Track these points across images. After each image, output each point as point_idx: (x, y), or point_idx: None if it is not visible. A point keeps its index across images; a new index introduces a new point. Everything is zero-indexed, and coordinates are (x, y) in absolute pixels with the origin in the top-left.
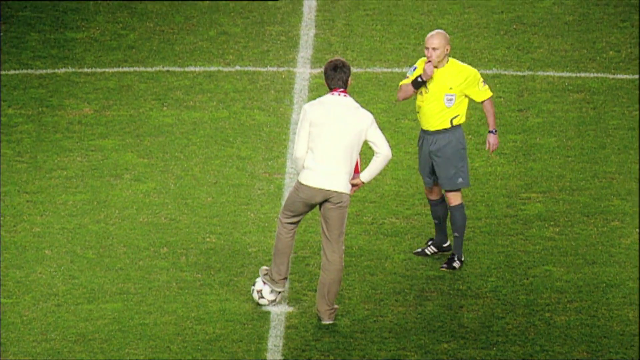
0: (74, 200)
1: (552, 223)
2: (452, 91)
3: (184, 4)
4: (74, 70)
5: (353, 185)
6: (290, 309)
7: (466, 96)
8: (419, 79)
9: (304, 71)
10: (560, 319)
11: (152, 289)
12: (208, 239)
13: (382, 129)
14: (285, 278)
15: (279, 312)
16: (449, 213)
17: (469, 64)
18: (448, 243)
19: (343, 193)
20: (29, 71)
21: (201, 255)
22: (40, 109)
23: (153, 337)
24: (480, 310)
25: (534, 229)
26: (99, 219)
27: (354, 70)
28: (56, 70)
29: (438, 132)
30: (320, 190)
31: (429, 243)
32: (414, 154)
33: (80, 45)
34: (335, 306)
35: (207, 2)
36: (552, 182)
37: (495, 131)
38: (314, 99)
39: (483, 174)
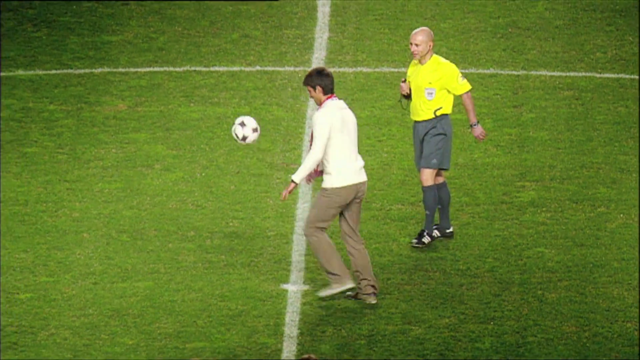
0: (110, 188)
1: (544, 209)
2: (431, 85)
3: (209, 9)
4: (109, 70)
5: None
6: (306, 288)
7: (447, 90)
8: (402, 94)
9: None
10: (552, 296)
11: (180, 269)
12: (231, 224)
13: (389, 123)
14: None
15: (296, 290)
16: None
17: (469, 64)
18: (451, 229)
19: (366, 182)
20: (69, 71)
21: (225, 238)
22: (79, 105)
23: (181, 312)
24: (479, 289)
25: (528, 215)
26: (132, 205)
27: (363, 70)
28: (93, 70)
29: (424, 121)
30: (356, 185)
31: (434, 227)
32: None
33: (115, 48)
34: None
35: (230, 7)
36: (544, 171)
37: (477, 122)
38: None
39: (481, 165)
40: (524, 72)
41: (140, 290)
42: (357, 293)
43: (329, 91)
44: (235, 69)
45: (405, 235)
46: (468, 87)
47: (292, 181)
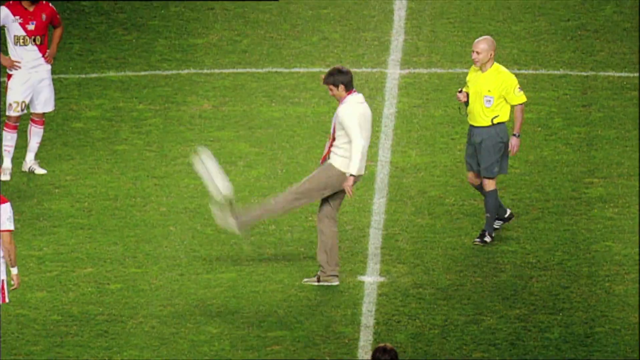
0: (195, 184)
1: (611, 204)
2: (490, 93)
3: (290, 13)
4: (195, 71)
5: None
6: (382, 279)
7: (505, 99)
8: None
9: (394, 72)
10: (619, 288)
11: (262, 261)
12: (310, 218)
13: (462, 121)
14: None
15: (372, 281)
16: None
17: (540, 65)
18: (509, 213)
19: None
20: (157, 72)
21: (304, 232)
22: (166, 104)
23: (263, 302)
24: (548, 281)
25: (596, 210)
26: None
27: (437, 70)
28: (180, 72)
29: (481, 127)
30: (359, 176)
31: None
32: None
33: (200, 50)
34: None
35: (311, 11)
36: (612, 168)
37: (518, 135)
38: (403, 96)
39: (551, 161)
40: (593, 72)
41: (224, 281)
42: (318, 277)
43: (350, 87)
44: (315, 70)
45: (478, 230)
46: (523, 99)
47: (351, 175)
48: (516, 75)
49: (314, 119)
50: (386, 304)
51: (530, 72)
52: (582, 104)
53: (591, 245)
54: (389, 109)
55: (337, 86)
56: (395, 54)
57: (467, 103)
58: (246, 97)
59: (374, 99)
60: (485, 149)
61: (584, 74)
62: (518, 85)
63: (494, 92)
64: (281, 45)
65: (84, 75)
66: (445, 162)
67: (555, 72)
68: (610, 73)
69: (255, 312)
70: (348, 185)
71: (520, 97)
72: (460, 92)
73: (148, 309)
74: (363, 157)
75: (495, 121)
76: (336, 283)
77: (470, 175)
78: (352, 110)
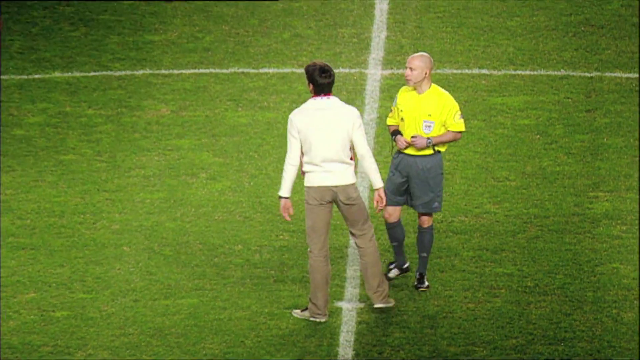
0: (152, 198)
1: (619, 221)
2: (430, 118)
3: (258, 7)
4: (151, 71)
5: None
6: (362, 305)
7: (444, 125)
8: (393, 137)
9: (376, 72)
10: (628, 316)
11: (227, 285)
12: (281, 237)
13: None
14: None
15: (351, 307)
16: (416, 235)
17: (538, 65)
18: (407, 264)
19: (350, 185)
20: (109, 73)
21: (274, 252)
22: (119, 109)
23: (228, 332)
24: (548, 307)
25: (602, 227)
26: (175, 217)
27: None
28: (135, 72)
29: (422, 157)
30: (330, 188)
31: (391, 267)
32: (482, 153)
33: (158, 48)
34: (385, 288)
35: (281, 5)
36: (619, 181)
37: (431, 142)
38: (385, 99)
39: (551, 173)
40: (598, 73)
41: (184, 308)
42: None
43: (320, 90)
44: (286, 70)
45: (469, 249)
46: (462, 128)
47: (280, 197)
48: (512, 76)
49: (285, 125)
50: (366, 333)
51: (528, 72)
52: (586, 109)
53: (596, 267)
54: (370, 115)
55: (309, 84)
56: (376, 52)
57: (396, 132)
58: (209, 101)
59: (353, 103)
60: (426, 182)
61: (588, 74)
62: (460, 112)
63: (435, 117)
64: (248, 43)
65: (25, 76)
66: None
67: (556, 72)
68: (617, 74)
69: (219, 343)
70: (282, 209)
71: (459, 125)
72: (397, 134)
73: (98, 339)
74: (288, 176)
75: (437, 148)
76: (381, 305)
77: (390, 210)
78: (294, 118)
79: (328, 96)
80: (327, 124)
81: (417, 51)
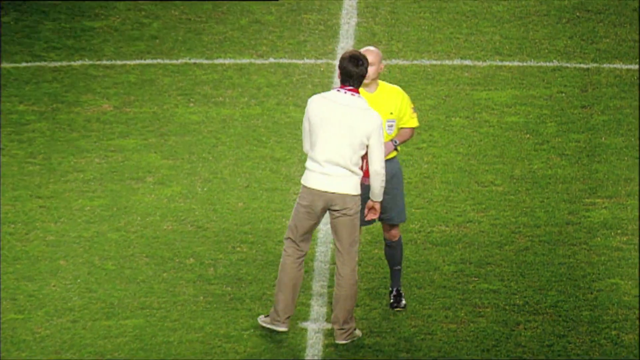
0: (92, 205)
1: (619, 231)
2: (392, 116)
3: None
4: (91, 62)
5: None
6: (329, 326)
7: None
8: None
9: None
10: (628, 338)
11: (177, 304)
12: (239, 249)
13: (431, 127)
14: (290, 316)
15: (317, 329)
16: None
17: (527, 55)
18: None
19: (349, 195)
20: (42, 64)
21: (231, 266)
22: (54, 105)
23: (178, 356)
24: (539, 328)
25: (599, 238)
26: (119, 227)
27: (399, 62)
28: (72, 63)
29: (387, 160)
30: (320, 193)
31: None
32: (465, 154)
33: (98, 35)
34: (352, 325)
35: None
36: (619, 186)
37: (397, 145)
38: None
39: (542, 177)
40: (595, 64)
41: (128, 330)
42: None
43: (344, 81)
44: (244, 61)
45: (450, 263)
46: (417, 123)
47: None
48: (499, 68)
49: (243, 123)
50: (335, 357)
51: (516, 64)
52: (582, 104)
53: (593, 283)
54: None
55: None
56: (345, 40)
57: None
58: (157, 96)
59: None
60: (396, 188)
61: (584, 66)
62: (412, 104)
63: (396, 114)
64: (201, 30)
65: None
66: (409, 177)
67: (548, 64)
68: (617, 65)
69: None
70: None
71: (415, 120)
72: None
73: None
74: (309, 167)
75: (399, 148)
76: (340, 342)
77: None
78: (309, 105)
79: (353, 92)
80: (342, 122)
81: (392, 40)
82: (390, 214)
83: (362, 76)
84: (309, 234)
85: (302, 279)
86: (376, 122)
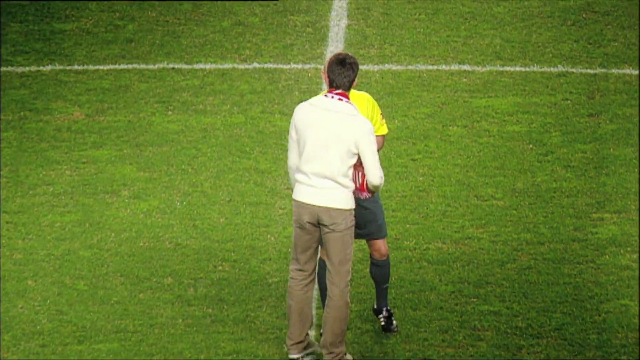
0: (62, 221)
1: (628, 249)
2: None
3: None
4: (62, 67)
5: None
6: (319, 349)
7: None
8: None
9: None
10: None
11: (155, 327)
12: (220, 267)
13: (426, 136)
14: (301, 342)
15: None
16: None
17: (530, 60)
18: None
19: (336, 209)
20: (9, 68)
21: (212, 286)
22: (22, 113)
23: None
24: (543, 352)
25: (607, 256)
26: (91, 244)
27: (393, 67)
28: (41, 68)
29: None
30: (307, 206)
31: (381, 317)
32: (463, 166)
33: (69, 38)
34: (341, 350)
35: None
36: (628, 200)
37: None
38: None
39: (546, 191)
40: (602, 70)
41: (102, 355)
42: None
43: (332, 85)
44: (227, 66)
45: (447, 283)
46: (387, 129)
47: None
48: (499, 73)
49: (226, 132)
50: None
51: (518, 69)
52: (588, 113)
53: (601, 305)
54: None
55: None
56: (335, 44)
57: None
58: (132, 103)
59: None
60: (372, 201)
61: (591, 71)
62: (381, 111)
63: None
64: (180, 33)
65: None
66: (403, 190)
67: (552, 69)
68: (626, 70)
69: None
70: None
71: (384, 126)
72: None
73: None
74: (292, 178)
75: None
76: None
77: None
78: (295, 113)
79: (342, 96)
80: (329, 129)
81: (384, 43)
82: (369, 228)
83: (351, 79)
84: (309, 251)
85: (311, 302)
86: (365, 128)
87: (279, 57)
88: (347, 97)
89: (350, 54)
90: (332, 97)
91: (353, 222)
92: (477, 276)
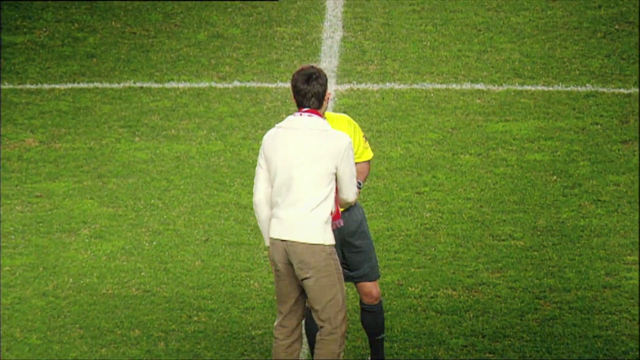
0: (12, 265)
1: None
2: None
3: None
4: (12, 86)
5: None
6: None
7: None
8: None
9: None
10: None
11: None
12: (195, 318)
13: (434, 166)
14: None
15: None
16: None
17: (554, 78)
18: None
19: (304, 245)
20: None
21: (186, 340)
22: None
23: None
24: None
25: None
26: (46, 291)
27: (395, 86)
28: None
29: (346, 209)
30: (282, 243)
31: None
32: (477, 201)
33: (20, 53)
34: None
35: None
36: None
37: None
38: None
39: (573, 229)
40: (638, 90)
41: None
42: None
43: (300, 103)
44: (203, 85)
45: (458, 336)
46: (372, 154)
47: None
48: (518, 93)
49: (202, 162)
50: None
51: (540, 88)
52: (621, 139)
53: None
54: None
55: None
56: (328, 59)
57: None
58: (94, 128)
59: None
60: (363, 239)
61: (624, 91)
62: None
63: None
64: (149, 47)
65: None
66: (407, 228)
67: (579, 88)
68: None
69: None
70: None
71: (369, 150)
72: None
73: None
74: (259, 218)
75: (361, 188)
76: None
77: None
78: (264, 140)
79: (312, 113)
80: (298, 150)
81: (385, 58)
82: (362, 270)
83: (320, 93)
84: (290, 302)
85: None
86: (343, 142)
87: (263, 74)
88: (318, 113)
89: (314, 65)
90: (301, 114)
91: (332, 261)
92: (493, 328)
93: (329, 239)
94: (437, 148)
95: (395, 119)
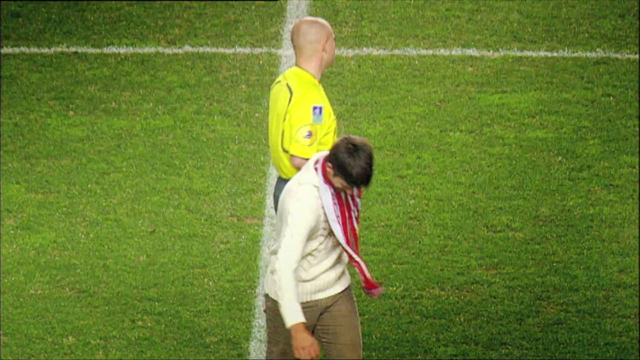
0: None
1: None
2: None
3: None
4: None
5: None
6: None
7: None
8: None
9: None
10: None
11: None
12: (140, 323)
13: (419, 145)
14: None
15: None
16: None
17: (558, 42)
18: None
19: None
20: None
21: (129, 348)
22: None
23: None
24: None
25: None
26: None
27: (374, 52)
28: None
29: None
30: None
31: None
32: (469, 185)
33: None
34: None
35: None
36: None
37: None
38: None
39: (581, 219)
40: None
41: None
42: None
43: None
44: (148, 50)
45: (447, 343)
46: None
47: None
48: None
49: (147, 140)
50: None
51: (543, 54)
52: (637, 113)
53: None
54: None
55: None
56: (295, 21)
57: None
58: (20, 100)
59: (257, 102)
60: None
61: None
62: None
63: None
64: (84, 5)
65: None
66: (387, 218)
67: (588, 54)
68: None
69: None
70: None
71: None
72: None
73: None
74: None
75: None
76: None
77: None
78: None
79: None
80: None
81: (362, 19)
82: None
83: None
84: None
85: None
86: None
87: (218, 38)
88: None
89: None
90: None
91: (274, 318)
92: (488, 334)
93: (267, 289)
94: (422, 124)
95: (373, 90)
